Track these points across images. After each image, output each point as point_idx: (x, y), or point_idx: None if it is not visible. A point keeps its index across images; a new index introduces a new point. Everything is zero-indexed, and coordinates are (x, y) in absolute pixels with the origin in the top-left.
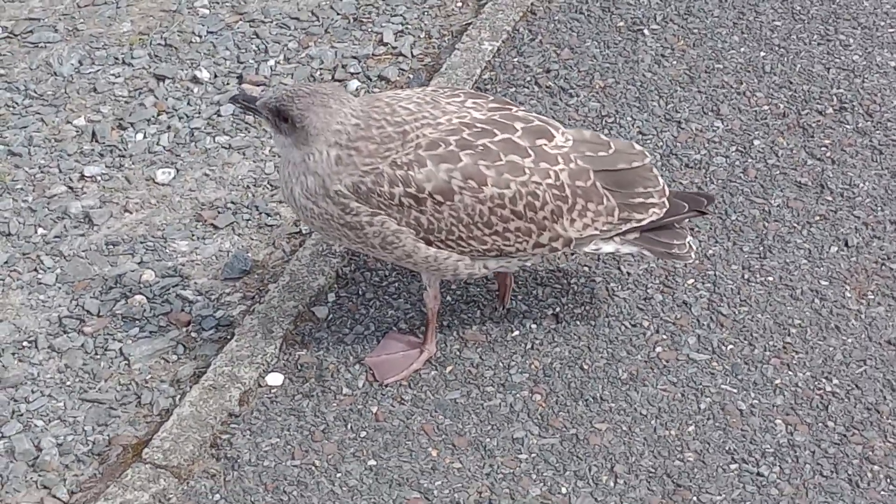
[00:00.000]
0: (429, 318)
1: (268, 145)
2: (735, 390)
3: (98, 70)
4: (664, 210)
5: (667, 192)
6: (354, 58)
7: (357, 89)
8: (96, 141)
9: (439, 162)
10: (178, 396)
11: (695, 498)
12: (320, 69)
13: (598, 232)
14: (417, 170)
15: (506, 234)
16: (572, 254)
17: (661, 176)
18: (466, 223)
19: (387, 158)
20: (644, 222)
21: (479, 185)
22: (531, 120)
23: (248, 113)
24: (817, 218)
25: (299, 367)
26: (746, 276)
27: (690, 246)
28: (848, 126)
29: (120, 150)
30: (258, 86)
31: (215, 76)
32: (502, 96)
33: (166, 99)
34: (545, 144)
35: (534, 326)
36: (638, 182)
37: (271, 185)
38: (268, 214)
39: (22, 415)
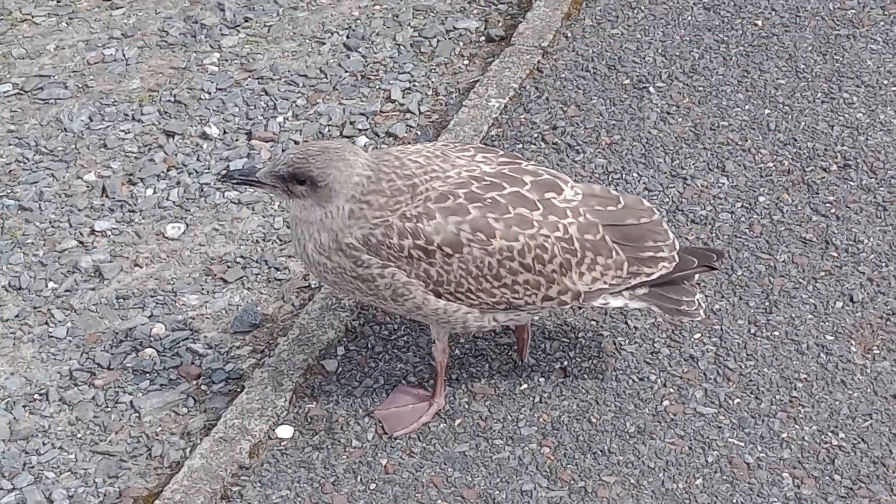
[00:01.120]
0: (438, 372)
1: (276, 200)
2: (742, 444)
3: (108, 126)
4: (674, 264)
5: (677, 247)
6: (362, 114)
7: (365, 145)
8: (106, 196)
9: (448, 214)
10: (189, 449)
11: None
12: (329, 125)
13: (607, 286)
14: (426, 222)
15: (515, 286)
16: (581, 308)
17: (671, 231)
18: (475, 275)
19: (396, 211)
20: (653, 276)
21: (487, 237)
22: (540, 174)
23: (246, 187)
24: (822, 273)
25: (309, 420)
26: (752, 331)
27: (699, 303)
28: (852, 183)
29: (130, 205)
30: (267, 142)
31: (224, 132)
32: (512, 151)
33: (176, 154)
34: (554, 198)
35: (542, 380)
36: (647, 236)
37: (280, 240)
38: (277, 269)
39: (33, 467)
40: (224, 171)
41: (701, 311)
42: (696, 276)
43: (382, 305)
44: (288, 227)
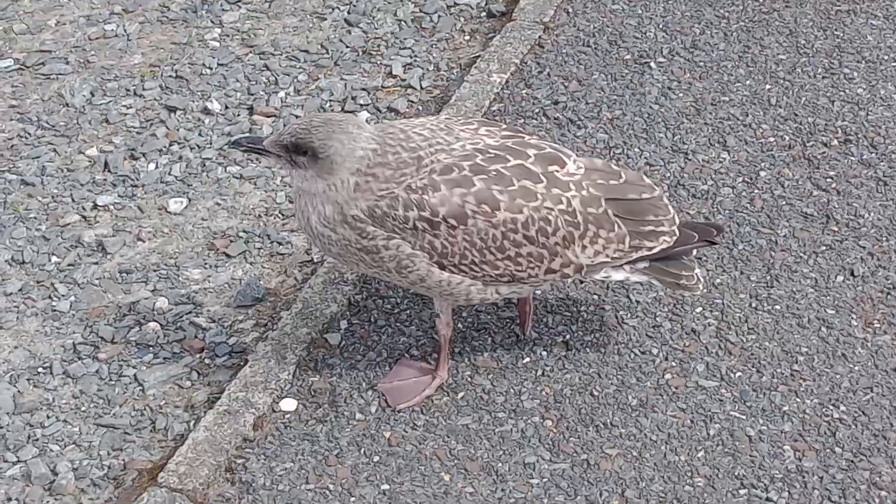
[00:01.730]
0: (441, 345)
1: (279, 175)
2: (744, 417)
3: (110, 101)
4: (674, 239)
5: (677, 221)
6: (364, 90)
7: (367, 120)
8: (109, 171)
9: (453, 186)
10: (193, 422)
11: None
12: (330, 101)
13: (608, 259)
14: (432, 194)
15: (518, 259)
16: (583, 281)
17: (672, 205)
18: (479, 248)
19: (402, 183)
20: (654, 251)
21: (492, 209)
22: (543, 147)
23: (254, 155)
24: (823, 248)
25: (313, 393)
26: (754, 305)
27: (698, 278)
28: (853, 158)
29: (132, 179)
30: (269, 117)
31: (226, 107)
32: (514, 125)
33: (178, 130)
34: (557, 171)
35: (544, 353)
36: (649, 210)
37: (283, 214)
38: (279, 243)
39: (38, 440)
40: (233, 139)
41: (700, 285)
42: (696, 251)
43: (386, 277)
44: (291, 202)
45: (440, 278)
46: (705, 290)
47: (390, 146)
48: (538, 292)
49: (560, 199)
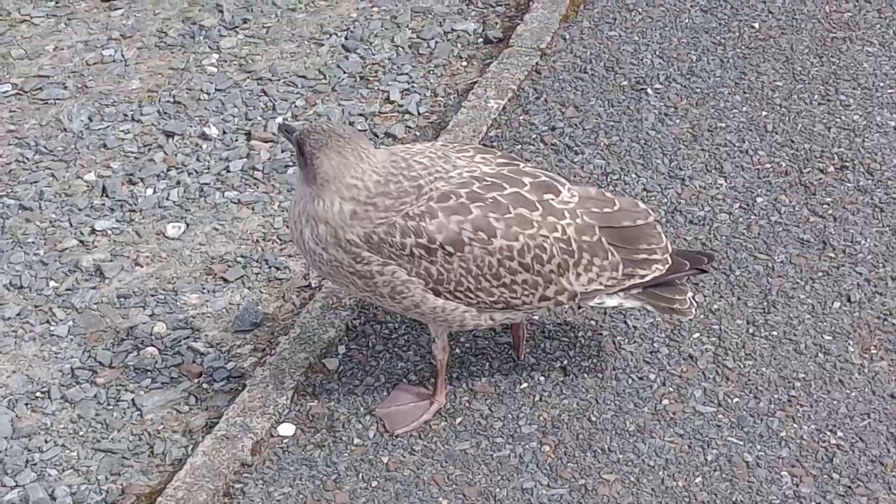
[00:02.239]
0: (438, 370)
1: (276, 200)
2: (741, 442)
3: (108, 126)
4: (667, 267)
5: (669, 250)
6: (361, 115)
7: None
8: (107, 196)
9: (450, 214)
10: (191, 446)
11: None
12: None
13: (602, 287)
14: (429, 221)
15: (513, 286)
16: (578, 307)
17: (665, 234)
18: (475, 274)
19: (400, 212)
20: (647, 278)
21: (488, 237)
22: (538, 175)
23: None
24: (820, 274)
25: (311, 418)
26: (751, 331)
27: (691, 302)
28: (849, 184)
29: (130, 204)
30: (266, 142)
31: (224, 132)
32: (510, 153)
33: (175, 155)
34: (552, 199)
35: (542, 379)
36: (642, 239)
37: (280, 239)
38: (277, 268)
39: (36, 464)
40: (283, 123)
41: (693, 309)
42: (687, 278)
43: (378, 302)
44: (288, 227)
45: (434, 304)
46: (702, 316)
47: (393, 175)
48: (534, 318)
49: (555, 227)
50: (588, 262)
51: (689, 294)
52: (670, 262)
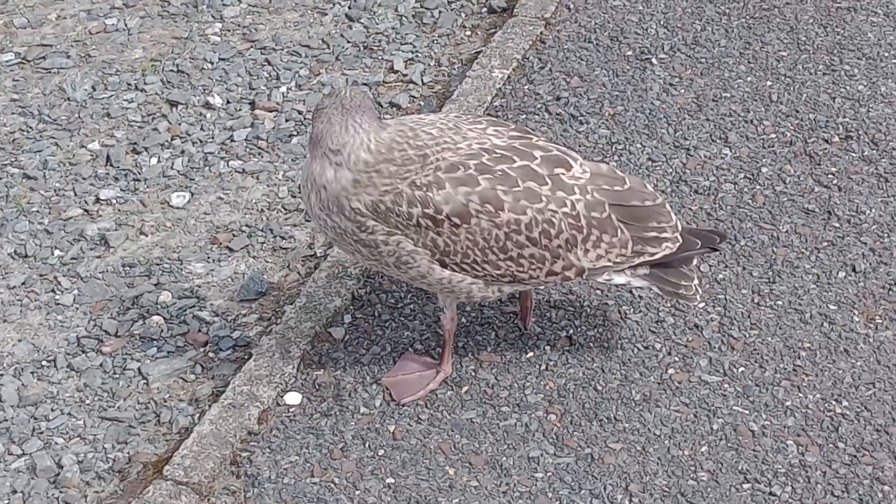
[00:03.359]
0: (445, 339)
1: (281, 170)
2: (747, 411)
3: (111, 95)
4: (677, 245)
5: (680, 228)
6: (366, 84)
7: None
8: (111, 165)
9: (458, 185)
10: (197, 415)
11: None
12: None
13: (611, 263)
14: (436, 191)
15: (520, 260)
16: (585, 283)
17: (674, 212)
18: (482, 247)
19: (406, 179)
20: (657, 256)
21: (496, 209)
22: (550, 149)
23: None
24: (825, 244)
25: (317, 387)
26: (756, 300)
27: (696, 289)
28: (854, 154)
29: (134, 173)
30: (270, 112)
31: (228, 102)
32: (523, 125)
33: (179, 124)
34: (563, 174)
35: (548, 348)
36: (652, 216)
37: (285, 209)
38: (282, 237)
39: (42, 432)
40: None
41: (698, 297)
42: (696, 260)
43: (385, 271)
44: (293, 196)
45: (441, 276)
46: (708, 286)
47: (397, 143)
48: (541, 289)
49: (564, 202)
50: (597, 239)
51: (696, 280)
52: (681, 240)
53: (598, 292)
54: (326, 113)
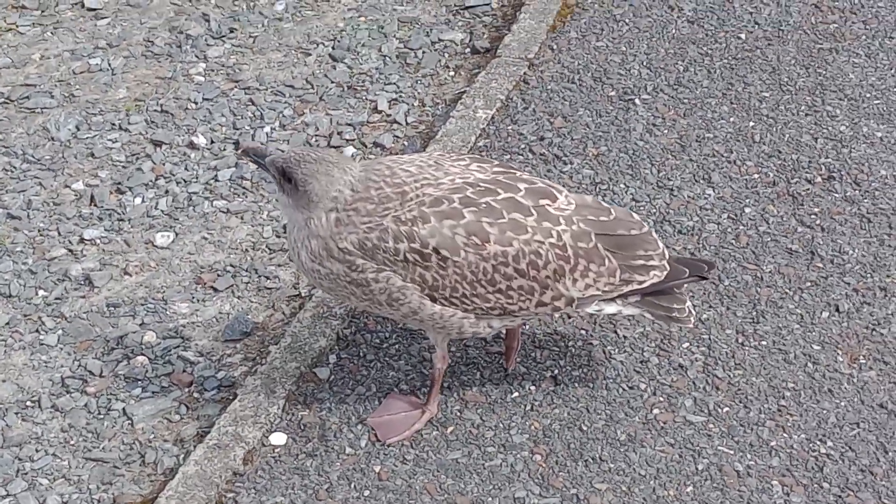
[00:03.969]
0: (434, 378)
1: (265, 210)
2: (732, 452)
3: (95, 135)
4: (665, 273)
5: (667, 256)
6: (349, 125)
7: (353, 155)
8: (95, 205)
9: (443, 218)
10: (182, 456)
11: None
12: (316, 136)
13: (599, 292)
14: (421, 226)
15: (509, 292)
16: (571, 316)
17: (661, 240)
18: (470, 280)
19: (386, 216)
20: (645, 284)
21: (482, 241)
22: (535, 182)
23: (254, 165)
24: (808, 284)
25: (302, 427)
26: (740, 340)
27: (690, 311)
28: (836, 195)
29: (119, 213)
30: None
31: (212, 142)
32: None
33: (164, 164)
34: (548, 205)
35: (533, 388)
36: (639, 245)
37: (269, 249)
38: (267, 277)
39: (27, 473)
40: (243, 144)
41: (692, 318)
42: (685, 286)
43: (378, 311)
44: (278, 236)
45: (432, 311)
46: (692, 326)
47: (373, 182)
48: (526, 326)
49: (550, 233)
50: (584, 268)
51: (689, 303)
52: (668, 268)
53: (583, 332)
54: (322, 172)
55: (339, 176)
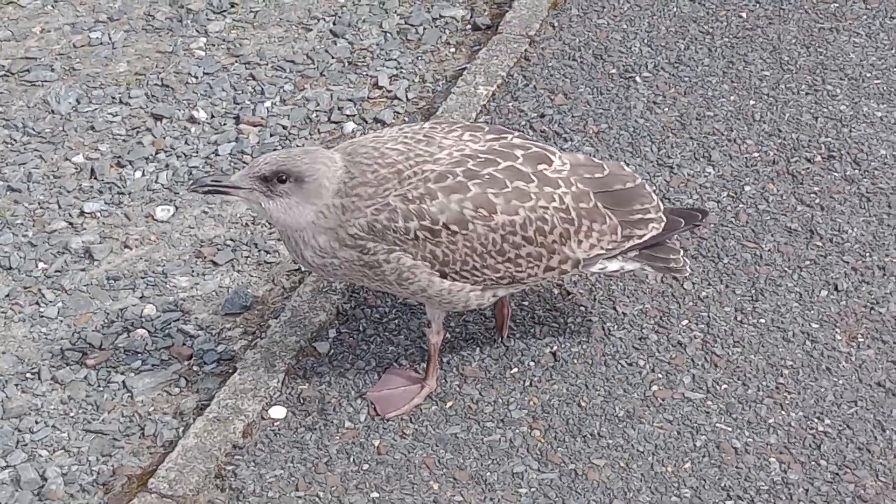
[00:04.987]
0: (431, 354)
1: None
2: (730, 429)
3: (95, 109)
4: (662, 225)
5: (662, 208)
6: (350, 100)
7: (353, 131)
8: (95, 178)
9: (449, 193)
10: (182, 428)
11: None
12: (316, 111)
13: (603, 251)
14: (430, 202)
15: (518, 260)
16: (580, 276)
17: (655, 193)
18: (480, 252)
19: (387, 196)
20: (645, 238)
21: (489, 213)
22: (529, 146)
23: (219, 195)
24: (807, 262)
25: (302, 401)
26: (739, 318)
27: (684, 259)
28: (836, 174)
29: (119, 187)
30: (255, 126)
31: (212, 116)
32: (497, 125)
33: (164, 138)
34: (546, 169)
35: (532, 364)
36: (635, 199)
37: (269, 223)
38: (267, 252)
39: (26, 444)
40: (195, 180)
41: (688, 267)
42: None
43: (389, 289)
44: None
45: (441, 287)
46: (691, 304)
47: (367, 165)
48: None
49: (553, 197)
50: (588, 229)
51: (681, 252)
52: (665, 219)
53: (582, 308)
54: (319, 159)
55: (332, 164)
